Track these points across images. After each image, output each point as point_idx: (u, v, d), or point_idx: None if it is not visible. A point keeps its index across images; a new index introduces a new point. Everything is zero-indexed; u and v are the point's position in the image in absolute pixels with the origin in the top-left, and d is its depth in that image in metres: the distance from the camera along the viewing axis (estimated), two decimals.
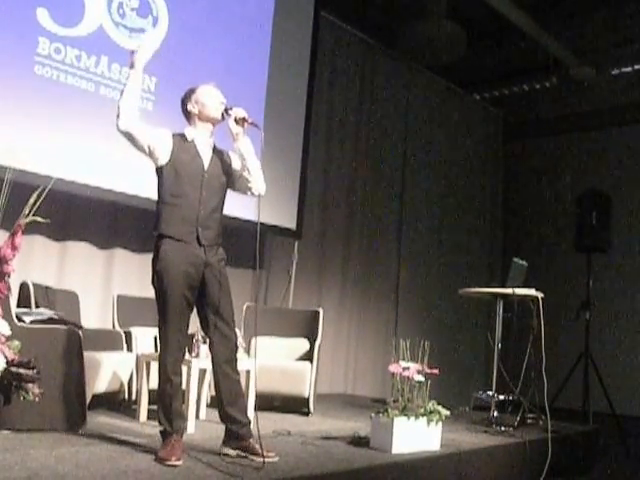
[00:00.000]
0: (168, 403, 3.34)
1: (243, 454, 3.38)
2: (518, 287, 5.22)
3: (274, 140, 6.57)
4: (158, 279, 3.36)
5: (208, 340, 3.51)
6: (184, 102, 3.57)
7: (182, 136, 3.51)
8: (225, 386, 3.44)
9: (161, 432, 3.35)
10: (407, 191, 8.60)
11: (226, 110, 3.54)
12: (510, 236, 9.85)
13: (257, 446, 3.35)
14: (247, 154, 3.55)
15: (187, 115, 3.57)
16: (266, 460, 3.28)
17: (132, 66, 3.41)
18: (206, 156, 3.52)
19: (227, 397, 3.43)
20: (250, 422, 3.46)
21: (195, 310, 3.50)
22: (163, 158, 3.42)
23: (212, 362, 3.48)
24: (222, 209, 3.58)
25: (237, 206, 6.20)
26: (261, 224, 6.34)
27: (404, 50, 8.07)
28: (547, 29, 8.10)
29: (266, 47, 6.59)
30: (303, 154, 6.90)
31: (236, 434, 3.42)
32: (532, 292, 5.16)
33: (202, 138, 3.54)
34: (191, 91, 3.58)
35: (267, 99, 6.55)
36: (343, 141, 7.83)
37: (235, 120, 3.52)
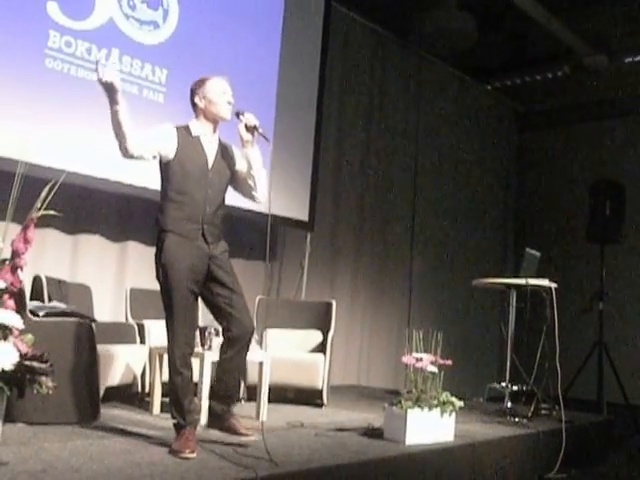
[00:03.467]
0: (180, 397, 3.35)
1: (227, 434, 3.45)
2: (531, 277, 5.19)
3: (286, 132, 6.56)
4: (164, 273, 3.35)
5: (222, 328, 3.52)
6: (193, 93, 3.52)
7: (187, 130, 3.48)
8: (229, 369, 3.49)
9: (174, 424, 3.36)
10: (419, 181, 8.56)
11: (237, 114, 3.49)
12: (523, 226, 9.81)
13: (238, 424, 3.44)
14: (255, 163, 3.52)
15: (194, 107, 3.53)
16: (246, 439, 3.39)
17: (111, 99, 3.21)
18: (211, 152, 3.50)
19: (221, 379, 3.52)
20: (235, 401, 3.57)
21: (205, 302, 3.51)
22: (169, 155, 3.40)
23: (225, 346, 3.49)
24: (224, 204, 3.57)
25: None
26: (273, 216, 6.39)
27: (415, 40, 8.02)
28: (559, 17, 8.03)
29: (277, 38, 6.56)
30: (315, 146, 6.88)
31: (219, 415, 3.48)
32: (545, 282, 5.13)
33: (207, 133, 3.51)
34: (201, 83, 3.52)
35: (278, 91, 6.53)
36: (355, 132, 7.80)
37: (246, 126, 3.48)
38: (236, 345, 3.46)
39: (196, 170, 3.42)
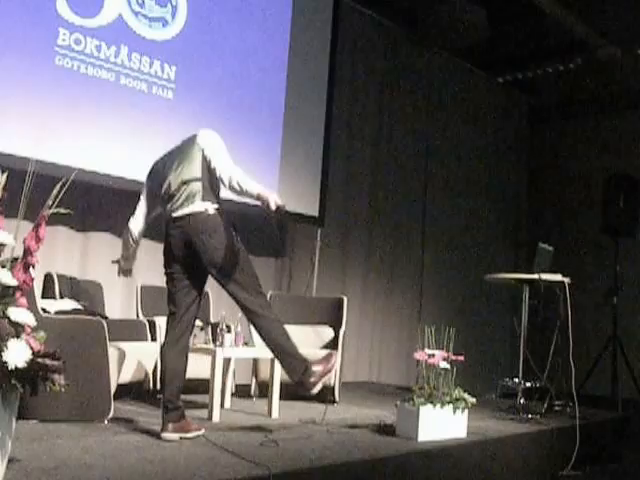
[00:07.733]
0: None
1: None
2: (544, 272, 5.15)
3: (295, 127, 6.55)
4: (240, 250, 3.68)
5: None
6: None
7: None
8: None
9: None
10: (431, 176, 8.53)
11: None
12: (536, 221, 9.74)
13: None
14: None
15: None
16: None
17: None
18: None
19: None
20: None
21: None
22: None
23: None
24: None
25: None
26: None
27: (426, 34, 7.96)
28: (571, 9, 7.95)
29: (286, 33, 6.54)
30: (325, 141, 6.86)
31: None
32: (558, 277, 5.09)
33: None
34: None
35: (288, 86, 6.51)
36: (365, 126, 7.77)
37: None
38: None
39: None
